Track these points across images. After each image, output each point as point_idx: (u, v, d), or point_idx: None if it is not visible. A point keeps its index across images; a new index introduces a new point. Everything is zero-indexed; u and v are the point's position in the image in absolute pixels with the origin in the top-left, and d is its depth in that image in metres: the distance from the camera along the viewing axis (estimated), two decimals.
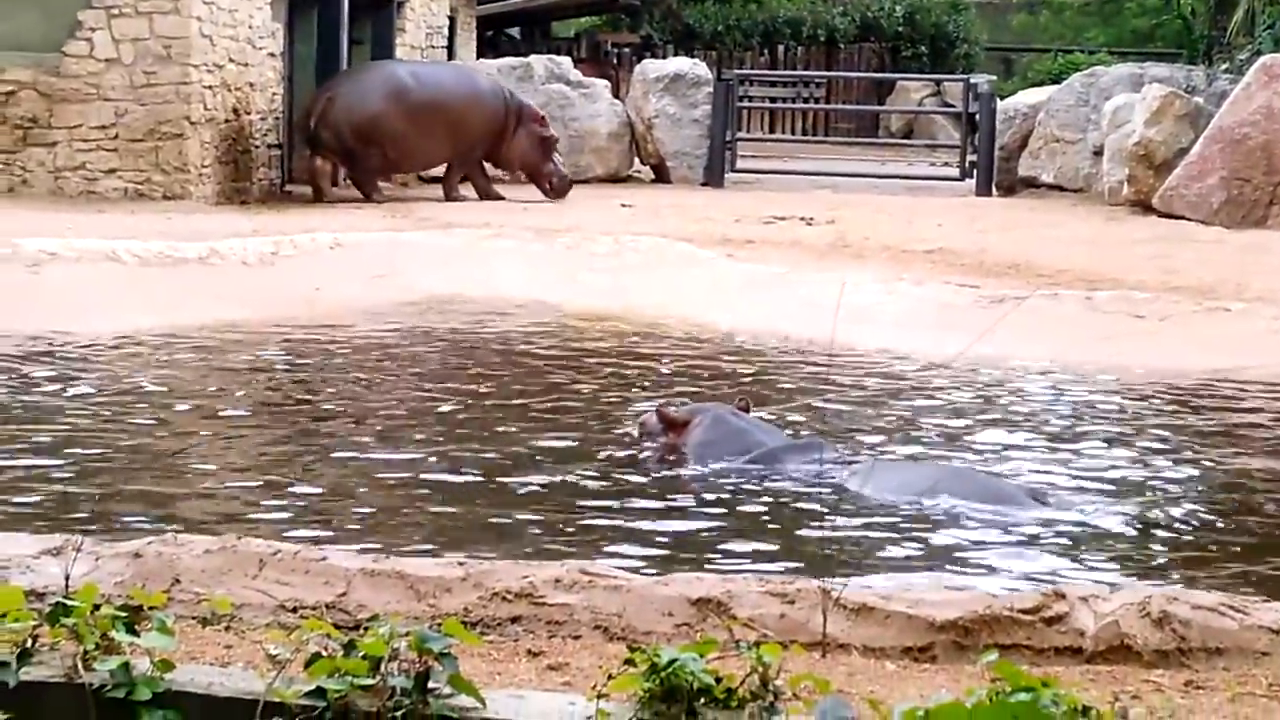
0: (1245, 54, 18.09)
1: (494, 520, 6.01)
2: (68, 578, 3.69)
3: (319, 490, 6.42)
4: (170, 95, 15.73)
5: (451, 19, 23.76)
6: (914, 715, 2.40)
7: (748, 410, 7.09)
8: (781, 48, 33.23)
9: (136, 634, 3.18)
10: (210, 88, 16.16)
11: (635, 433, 7.24)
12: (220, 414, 7.95)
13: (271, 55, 17.77)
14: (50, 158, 15.77)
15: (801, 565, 5.29)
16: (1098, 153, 18.33)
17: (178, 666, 3.16)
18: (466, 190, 17.89)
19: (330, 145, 17.36)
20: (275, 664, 3.16)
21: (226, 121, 16.53)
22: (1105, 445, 7.62)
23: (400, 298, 11.21)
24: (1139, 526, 6.19)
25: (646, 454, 7.03)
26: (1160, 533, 6.15)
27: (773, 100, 30.19)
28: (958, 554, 5.71)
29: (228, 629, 3.97)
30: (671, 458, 6.91)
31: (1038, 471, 6.96)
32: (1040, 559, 5.60)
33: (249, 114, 16.98)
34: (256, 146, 17.21)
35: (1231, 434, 7.88)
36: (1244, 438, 7.80)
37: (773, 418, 7.53)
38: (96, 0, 15.90)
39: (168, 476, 6.62)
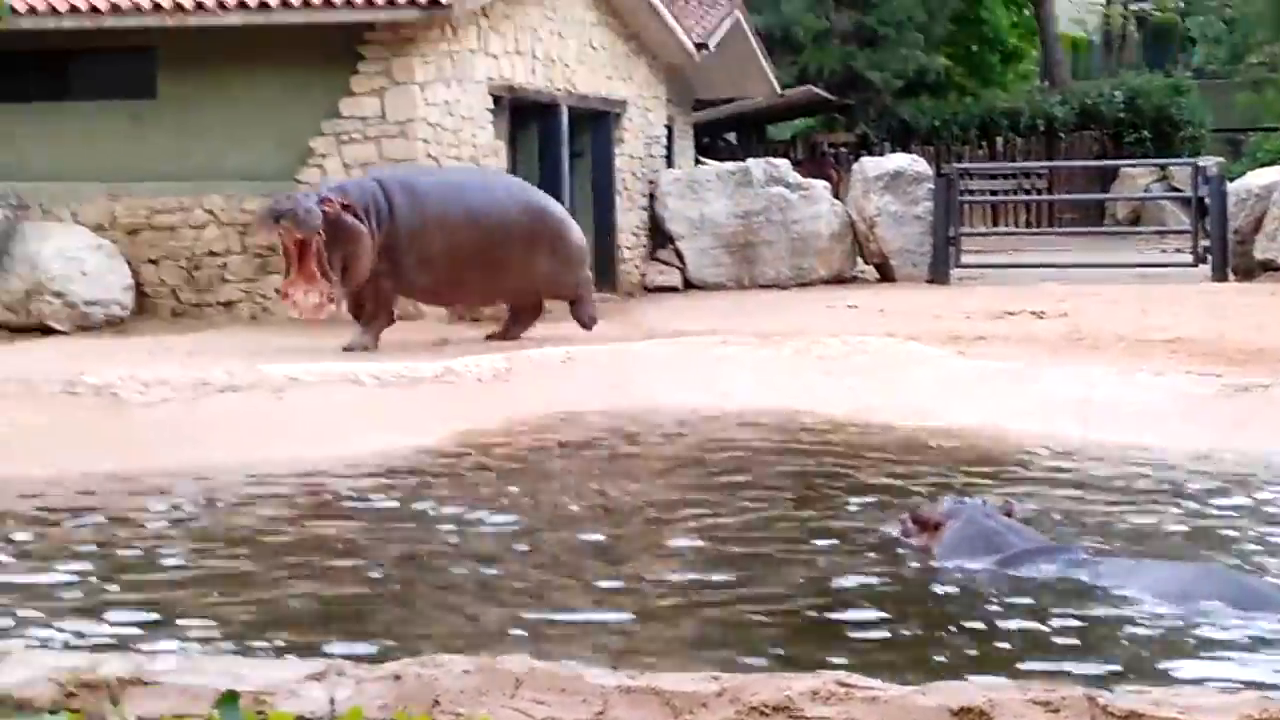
0: None
1: (743, 623, 5.97)
2: (333, 702, 3.74)
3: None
4: None
5: (669, 127, 24.04)
6: None
7: (1011, 514, 6.97)
8: (1000, 139, 33.04)
9: None
10: None
11: (895, 533, 7.20)
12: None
13: None
14: None
15: (1062, 671, 5.16)
16: None
17: None
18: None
19: None
20: None
21: None
22: None
23: (634, 408, 11.24)
24: None
25: (902, 554, 6.97)
26: None
27: (994, 193, 29.96)
28: (1219, 658, 5.51)
29: None
30: (926, 560, 6.83)
31: None
32: None
33: None
34: None
35: None
36: None
37: (1029, 520, 7.38)
38: (327, 127, 16.41)
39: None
